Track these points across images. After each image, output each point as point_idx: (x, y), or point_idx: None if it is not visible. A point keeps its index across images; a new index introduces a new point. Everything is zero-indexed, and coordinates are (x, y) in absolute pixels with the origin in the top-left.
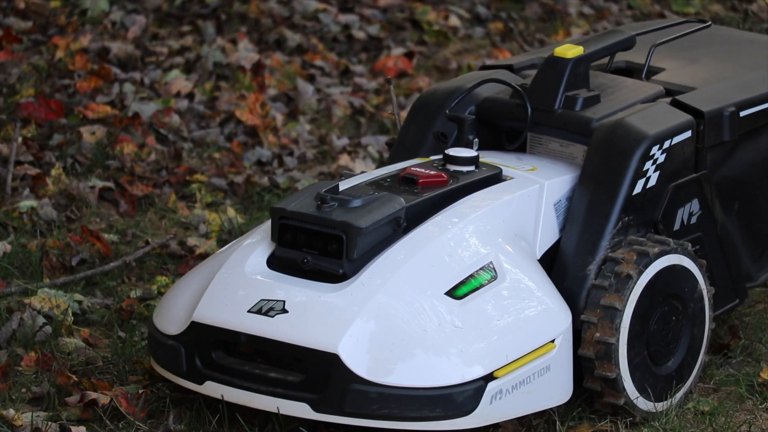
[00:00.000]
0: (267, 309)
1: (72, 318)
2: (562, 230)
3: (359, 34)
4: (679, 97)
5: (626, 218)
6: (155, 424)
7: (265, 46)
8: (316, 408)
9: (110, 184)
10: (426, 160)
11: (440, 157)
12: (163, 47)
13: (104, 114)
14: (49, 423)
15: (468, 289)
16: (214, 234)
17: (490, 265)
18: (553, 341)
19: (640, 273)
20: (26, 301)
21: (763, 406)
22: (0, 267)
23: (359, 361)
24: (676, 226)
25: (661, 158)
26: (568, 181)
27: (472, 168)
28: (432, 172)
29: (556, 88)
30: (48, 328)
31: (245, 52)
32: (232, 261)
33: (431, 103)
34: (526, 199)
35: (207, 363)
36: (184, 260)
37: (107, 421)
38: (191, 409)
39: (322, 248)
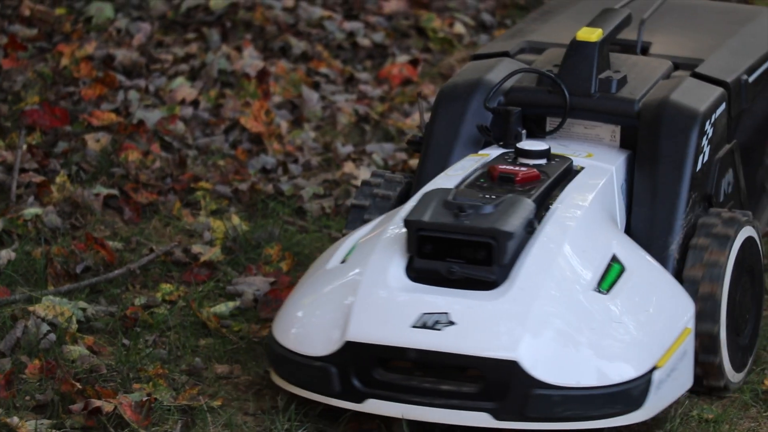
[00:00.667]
0: (432, 322)
1: (76, 326)
2: (628, 213)
3: (364, 42)
4: (699, 70)
5: (693, 195)
6: None
7: (270, 53)
8: (497, 416)
9: (115, 192)
10: (482, 155)
11: (505, 151)
12: (168, 54)
13: (109, 121)
14: (53, 431)
15: (609, 282)
16: (219, 241)
17: (616, 256)
18: (688, 326)
19: (729, 251)
20: (30, 308)
21: (767, 413)
22: (4, 275)
23: (538, 366)
24: (722, 198)
25: (710, 132)
26: (623, 163)
27: (544, 161)
28: (524, 170)
29: (589, 72)
30: (52, 336)
31: (250, 60)
32: (372, 277)
33: (458, 96)
34: (609, 187)
35: (367, 381)
36: (188, 268)
37: (111, 429)
38: (197, 418)
39: (469, 256)
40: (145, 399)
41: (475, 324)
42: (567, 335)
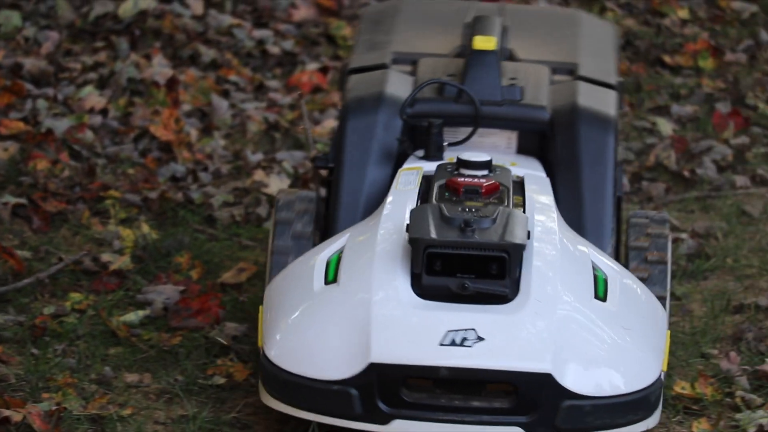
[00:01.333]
0: (461, 339)
1: None
2: None
3: (273, 50)
4: (583, 74)
5: (615, 198)
6: None
7: (179, 61)
8: (529, 430)
9: (23, 201)
10: (415, 168)
11: (443, 162)
12: (77, 63)
13: (17, 130)
14: None
15: (601, 289)
16: (128, 250)
17: (594, 264)
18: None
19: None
20: None
21: (676, 419)
22: None
23: (568, 377)
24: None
25: (616, 135)
26: (543, 170)
27: (486, 171)
28: (485, 181)
29: (494, 80)
30: None
31: (159, 68)
32: (382, 296)
33: (366, 111)
34: (551, 193)
35: (393, 402)
36: (97, 276)
37: None
38: (107, 428)
39: (480, 271)
40: (54, 408)
41: (504, 338)
42: (590, 344)
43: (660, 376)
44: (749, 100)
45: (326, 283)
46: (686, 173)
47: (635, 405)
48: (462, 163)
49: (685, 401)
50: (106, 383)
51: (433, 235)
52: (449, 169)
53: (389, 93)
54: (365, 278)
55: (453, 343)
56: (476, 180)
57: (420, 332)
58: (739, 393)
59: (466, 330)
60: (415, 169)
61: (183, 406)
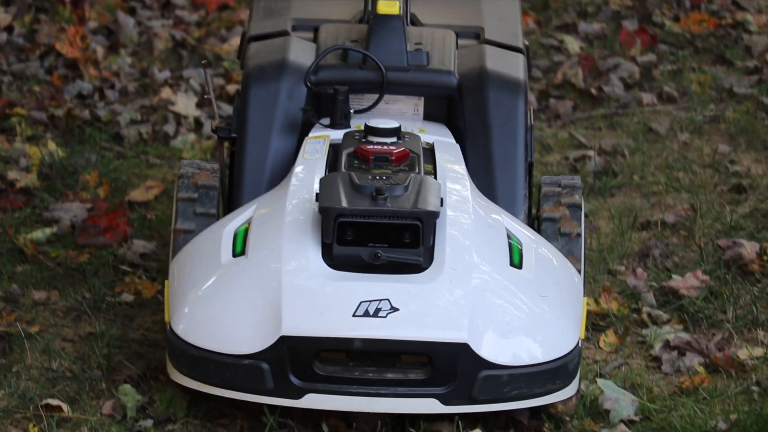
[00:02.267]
0: (375, 310)
1: None
2: None
3: None
4: (489, 38)
5: (527, 163)
6: None
7: None
8: (446, 401)
9: None
10: (322, 137)
11: (350, 130)
12: None
13: None
14: None
15: (517, 257)
16: (35, 167)
17: (508, 231)
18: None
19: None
20: None
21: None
22: None
23: (485, 346)
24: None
25: (526, 99)
26: (451, 136)
27: (395, 138)
28: (394, 149)
29: (399, 45)
30: None
31: None
32: (291, 267)
33: (268, 79)
34: (462, 160)
35: (306, 376)
36: (4, 194)
37: None
38: (15, 345)
39: (393, 240)
40: None
41: (419, 308)
42: (507, 313)
43: (578, 343)
44: (656, 17)
45: (234, 255)
46: (593, 91)
47: (553, 374)
48: (370, 131)
49: (592, 317)
50: (14, 301)
51: (344, 203)
52: (357, 137)
53: (292, 60)
54: (275, 249)
55: (366, 314)
56: (386, 147)
57: (332, 303)
58: (645, 309)
59: (379, 300)
60: (321, 138)
61: (91, 324)
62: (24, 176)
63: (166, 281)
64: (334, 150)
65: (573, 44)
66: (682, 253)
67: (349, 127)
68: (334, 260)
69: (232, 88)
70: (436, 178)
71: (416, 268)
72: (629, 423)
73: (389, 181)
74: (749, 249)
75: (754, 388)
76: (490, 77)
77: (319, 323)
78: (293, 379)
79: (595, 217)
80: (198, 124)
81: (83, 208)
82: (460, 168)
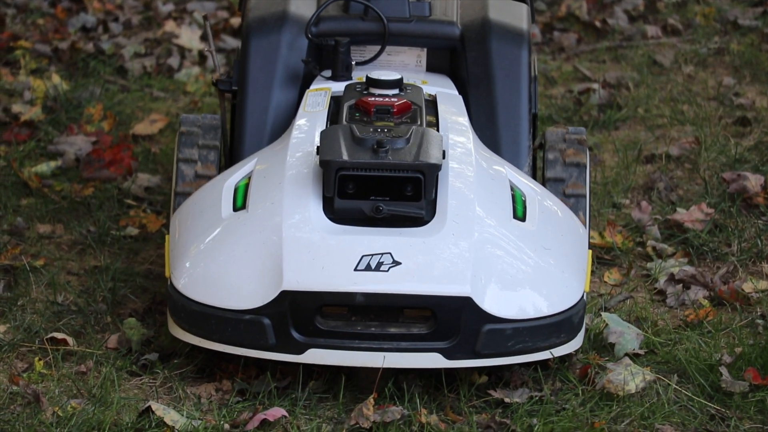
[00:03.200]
0: (376, 264)
1: None
2: None
3: None
4: None
5: (530, 114)
6: None
7: None
8: (449, 356)
9: None
10: (323, 89)
11: (352, 82)
12: None
13: None
14: None
15: (520, 209)
16: (39, 101)
17: (512, 183)
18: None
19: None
20: None
21: None
22: None
23: (489, 300)
24: None
25: (529, 49)
26: (454, 88)
27: (397, 90)
28: (396, 101)
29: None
30: None
31: None
32: (292, 221)
33: (269, 31)
34: (465, 112)
35: (308, 331)
36: (8, 127)
37: None
38: (20, 279)
39: (395, 193)
40: None
41: (421, 262)
42: (510, 266)
43: (583, 296)
44: None
45: (235, 209)
46: (598, 23)
47: (558, 327)
48: (372, 83)
49: (597, 250)
50: (18, 234)
51: (345, 156)
52: (359, 89)
53: (293, 12)
54: (275, 203)
55: (368, 268)
56: (387, 99)
57: (333, 257)
58: (650, 242)
59: (381, 254)
60: (323, 90)
61: (96, 257)
62: (28, 109)
63: (167, 236)
64: (336, 102)
65: None
66: (687, 186)
67: (351, 79)
68: (335, 214)
69: (236, 21)
70: (438, 130)
71: (418, 221)
72: (634, 356)
73: (390, 133)
74: (754, 182)
75: (759, 321)
76: (493, 27)
77: (320, 278)
78: (295, 334)
79: (599, 150)
80: (202, 57)
81: (87, 142)
82: (463, 120)
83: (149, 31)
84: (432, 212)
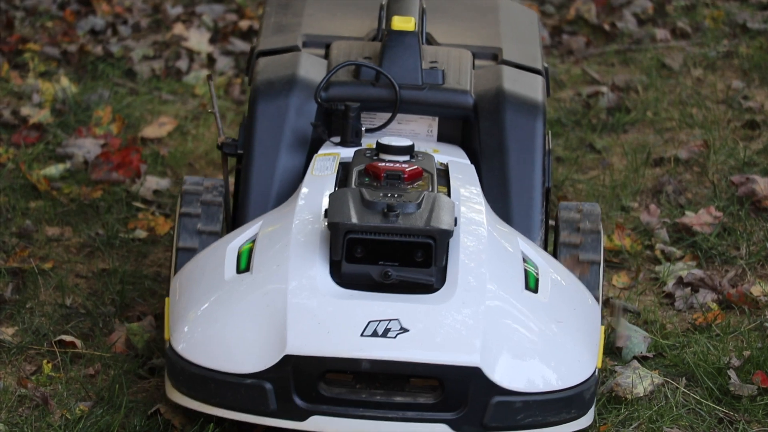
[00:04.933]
0: (383, 330)
1: None
2: None
3: None
4: (508, 59)
5: (544, 188)
6: None
7: None
8: (456, 427)
9: None
10: (332, 154)
11: (361, 148)
12: None
13: None
14: None
15: (533, 281)
16: (48, 103)
17: (525, 254)
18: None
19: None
20: None
21: None
22: None
23: (499, 372)
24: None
25: (544, 122)
26: (467, 158)
27: (407, 157)
28: (407, 167)
29: (414, 63)
30: None
31: None
32: (298, 284)
33: (277, 94)
34: (477, 181)
35: (311, 397)
36: (17, 130)
37: None
38: (28, 281)
39: (405, 259)
40: None
41: (430, 330)
42: (521, 337)
43: (595, 372)
44: None
45: (238, 272)
46: (606, 26)
47: (569, 402)
48: (382, 148)
49: (606, 253)
50: (27, 237)
51: (354, 219)
52: (368, 155)
53: (302, 75)
54: (280, 266)
55: (375, 334)
56: (398, 165)
57: (339, 322)
58: (658, 246)
59: (389, 320)
60: (331, 155)
61: (104, 260)
62: (37, 112)
63: (166, 298)
64: (344, 168)
65: None
66: (696, 189)
67: (360, 145)
68: (342, 278)
69: (245, 24)
70: (450, 197)
71: (428, 288)
72: (642, 359)
73: (401, 198)
74: (763, 185)
75: (767, 324)
76: (507, 98)
77: (325, 343)
78: (297, 401)
79: (608, 153)
80: (211, 60)
81: (96, 144)
82: (476, 189)
83: (158, 34)
84: (442, 280)
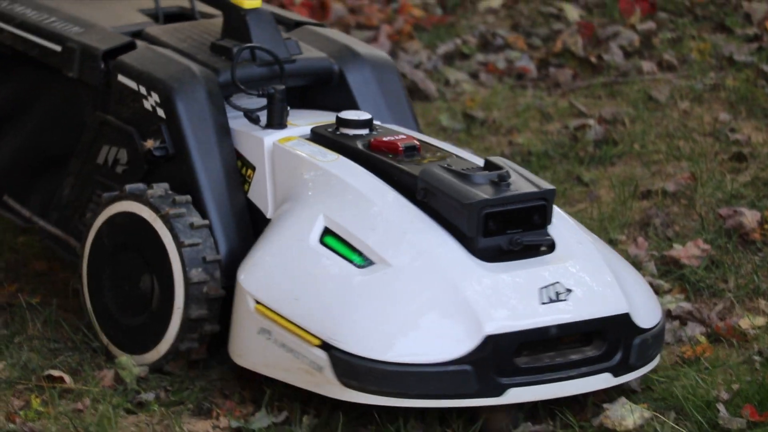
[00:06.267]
0: (555, 295)
1: None
2: None
3: None
4: (297, 20)
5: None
6: None
7: None
8: (615, 373)
9: None
10: (289, 138)
11: (322, 124)
12: None
13: None
14: None
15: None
16: None
17: None
18: None
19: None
20: None
21: None
22: None
23: (635, 313)
24: None
25: None
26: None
27: (367, 130)
28: (405, 137)
29: (278, 37)
30: None
31: None
32: (455, 266)
33: (193, 90)
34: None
35: (507, 371)
36: None
37: None
38: (16, 315)
39: (525, 224)
40: None
41: (585, 286)
42: (632, 279)
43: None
44: None
45: (359, 266)
46: (593, 59)
47: (663, 332)
48: (343, 123)
49: None
50: (15, 271)
51: (484, 195)
52: (330, 131)
53: (194, 67)
54: (423, 252)
55: (551, 300)
56: (399, 137)
57: (518, 295)
58: (647, 278)
59: (552, 284)
60: (293, 139)
61: None
62: None
63: (263, 309)
64: (339, 148)
65: (572, 12)
66: (683, 222)
67: (285, 127)
68: (479, 253)
69: None
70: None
71: (549, 248)
72: (631, 393)
73: (473, 169)
74: (750, 218)
75: (756, 357)
76: (362, 56)
77: (518, 317)
78: (496, 377)
79: (595, 186)
80: None
81: None
82: (455, 148)
83: None
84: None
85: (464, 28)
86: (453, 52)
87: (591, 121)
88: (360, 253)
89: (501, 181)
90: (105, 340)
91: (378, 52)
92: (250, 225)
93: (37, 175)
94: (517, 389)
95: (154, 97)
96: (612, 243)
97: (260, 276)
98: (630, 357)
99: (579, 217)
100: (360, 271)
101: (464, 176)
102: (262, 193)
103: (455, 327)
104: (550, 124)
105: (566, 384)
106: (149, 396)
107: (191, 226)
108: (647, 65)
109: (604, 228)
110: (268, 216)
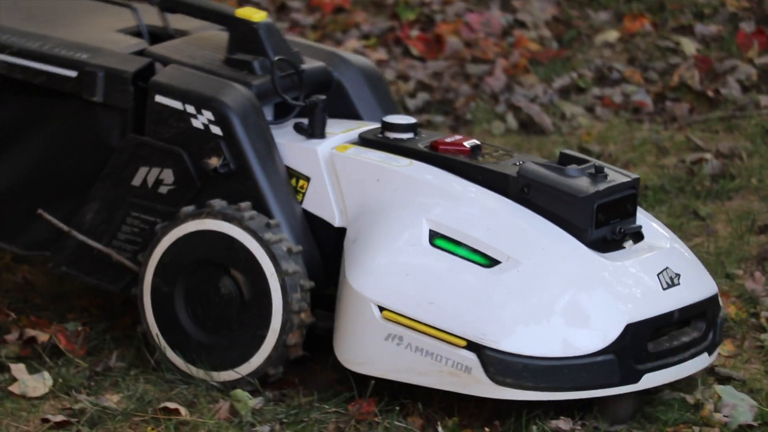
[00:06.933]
0: (670, 280)
1: (10, 255)
2: None
3: None
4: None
5: None
6: (95, 361)
7: None
8: (710, 352)
9: None
10: (347, 146)
11: (369, 128)
12: None
13: None
14: None
15: None
16: None
17: None
18: None
19: None
20: None
21: None
22: None
23: (718, 293)
24: None
25: None
26: None
27: (412, 134)
28: (464, 139)
29: (289, 49)
30: None
31: None
32: (585, 260)
33: (250, 108)
34: None
35: (642, 357)
36: None
37: (47, 359)
38: (132, 347)
39: (621, 213)
40: (80, 329)
41: (687, 270)
42: (695, 261)
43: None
44: None
45: (486, 266)
46: (710, 93)
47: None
48: (388, 127)
49: None
50: (132, 304)
51: (594, 188)
52: (379, 136)
53: (233, 83)
54: (546, 249)
55: (670, 285)
56: (458, 138)
57: (643, 283)
58: (764, 314)
59: (664, 270)
60: (349, 147)
61: None
62: None
63: (403, 319)
64: (402, 152)
65: (689, 46)
66: None
67: (325, 136)
68: (592, 245)
69: None
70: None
71: (640, 235)
72: (747, 428)
73: (560, 164)
74: None
75: None
76: (353, 63)
77: (651, 304)
78: (634, 364)
79: (712, 220)
80: None
81: None
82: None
83: None
84: None
85: (580, 61)
86: (569, 86)
87: (708, 156)
88: (479, 253)
89: (598, 173)
90: (170, 352)
91: (361, 58)
92: (311, 236)
93: (39, 206)
94: (651, 374)
95: (206, 115)
96: (729, 277)
97: (380, 283)
98: (716, 336)
99: (695, 251)
100: (491, 271)
101: (561, 171)
102: (324, 202)
103: (597, 318)
104: (666, 158)
105: (683, 366)
106: (264, 429)
107: (289, 251)
108: (765, 99)
109: (720, 262)
110: (336, 225)
